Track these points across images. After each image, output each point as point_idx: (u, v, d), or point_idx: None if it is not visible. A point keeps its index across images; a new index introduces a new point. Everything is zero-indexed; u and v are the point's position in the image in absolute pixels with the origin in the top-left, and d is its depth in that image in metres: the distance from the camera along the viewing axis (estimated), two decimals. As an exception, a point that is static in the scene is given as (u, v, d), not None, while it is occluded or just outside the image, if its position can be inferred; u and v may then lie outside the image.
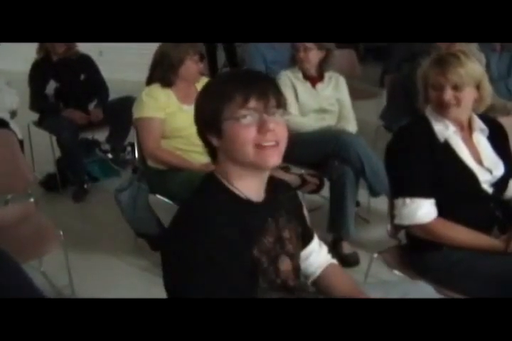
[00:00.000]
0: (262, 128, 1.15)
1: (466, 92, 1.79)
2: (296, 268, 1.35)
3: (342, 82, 3.07)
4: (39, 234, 2.29)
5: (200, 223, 1.14)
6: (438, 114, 1.85)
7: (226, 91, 1.16)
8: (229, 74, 1.30)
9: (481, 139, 1.92)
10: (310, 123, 2.94)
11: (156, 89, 2.60)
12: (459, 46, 3.08)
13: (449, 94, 1.78)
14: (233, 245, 1.15)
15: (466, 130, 1.90)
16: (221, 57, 6.43)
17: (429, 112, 1.89)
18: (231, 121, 1.16)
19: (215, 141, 1.21)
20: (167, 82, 2.59)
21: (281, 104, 1.19)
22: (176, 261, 1.14)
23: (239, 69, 1.49)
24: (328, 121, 3.00)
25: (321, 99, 2.98)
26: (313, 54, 2.91)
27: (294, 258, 1.34)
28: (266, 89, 1.17)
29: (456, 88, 1.78)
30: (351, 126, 3.00)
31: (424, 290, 1.56)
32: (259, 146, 1.16)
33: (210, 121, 1.19)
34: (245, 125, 1.15)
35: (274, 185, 1.32)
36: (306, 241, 1.47)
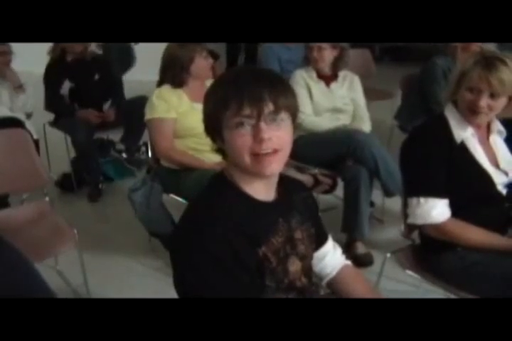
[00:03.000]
0: (256, 137, 1.11)
1: (500, 101, 1.73)
2: (306, 270, 1.34)
3: (356, 81, 3.05)
4: (54, 233, 2.31)
5: (205, 221, 1.14)
6: (464, 117, 1.80)
7: (221, 99, 1.13)
8: (225, 77, 1.20)
9: (498, 141, 1.90)
10: (324, 122, 2.93)
11: (167, 90, 2.61)
12: (475, 46, 3.08)
13: (484, 101, 1.72)
14: (238, 244, 1.14)
15: (484, 131, 1.88)
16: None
17: (448, 111, 1.85)
18: (229, 129, 1.13)
19: (220, 144, 1.20)
20: (179, 83, 2.61)
21: (281, 107, 1.12)
22: (181, 260, 1.14)
23: (237, 69, 1.38)
24: (343, 121, 2.98)
25: (335, 98, 2.97)
26: (327, 53, 2.90)
27: (305, 259, 1.33)
28: (260, 95, 1.10)
29: (492, 96, 1.72)
30: (366, 126, 2.99)
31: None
32: (255, 154, 1.13)
33: (212, 127, 1.18)
34: (241, 133, 1.11)
35: (287, 184, 1.31)
36: (320, 242, 1.46)
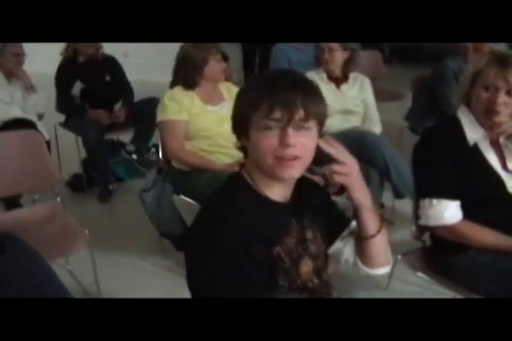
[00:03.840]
0: (282, 141, 1.12)
1: None
2: (318, 270, 1.34)
3: (367, 83, 3.06)
4: (66, 233, 2.33)
5: (222, 221, 1.14)
6: (479, 117, 1.79)
7: (254, 100, 1.14)
8: (260, 79, 1.22)
9: (507, 143, 1.89)
10: (335, 124, 2.93)
11: (179, 92, 2.62)
12: (486, 46, 3.07)
13: (502, 98, 1.72)
14: (253, 243, 1.14)
15: (494, 132, 1.87)
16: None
17: (461, 113, 1.85)
18: (256, 129, 1.14)
19: (244, 142, 1.21)
20: (191, 84, 2.61)
21: (311, 115, 1.13)
22: (198, 259, 1.14)
23: (275, 71, 1.39)
24: (353, 122, 2.99)
25: (346, 100, 2.97)
26: (338, 55, 2.91)
27: (317, 259, 1.33)
28: (293, 101, 1.11)
29: (509, 93, 1.72)
30: (376, 127, 2.99)
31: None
32: (278, 158, 1.14)
33: (240, 126, 1.19)
34: (268, 136, 1.13)
35: (302, 184, 1.31)
36: (342, 226, 1.41)
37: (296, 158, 1.14)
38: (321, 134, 1.20)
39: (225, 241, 1.11)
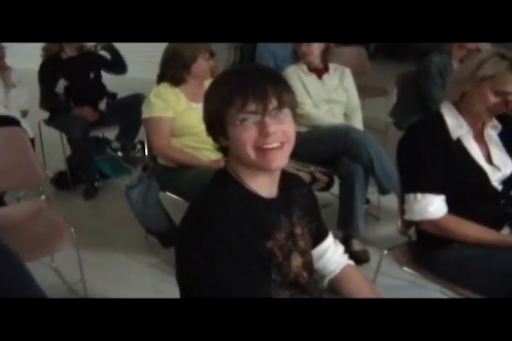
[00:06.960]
0: (262, 131, 1.12)
1: None
2: (307, 265, 1.34)
3: (347, 72, 3.12)
4: (51, 231, 2.30)
5: (215, 213, 1.14)
6: (479, 113, 1.80)
7: (225, 95, 1.14)
8: (228, 74, 1.21)
9: (492, 136, 1.91)
10: (322, 114, 2.98)
11: (165, 89, 2.61)
12: (471, 44, 3.11)
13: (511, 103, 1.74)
14: (248, 237, 1.14)
15: (479, 126, 1.89)
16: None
17: (444, 108, 1.86)
18: (233, 125, 1.14)
19: (222, 141, 1.20)
20: (177, 80, 2.60)
21: (284, 103, 1.14)
22: (192, 251, 1.12)
23: (240, 67, 1.40)
24: (338, 111, 3.05)
25: (329, 89, 3.04)
26: (314, 46, 2.97)
27: (305, 254, 1.34)
28: (264, 91, 1.12)
29: None
30: (358, 116, 3.08)
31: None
32: (260, 149, 1.14)
33: (214, 124, 1.19)
34: (246, 128, 1.13)
35: (287, 180, 1.31)
36: (320, 237, 1.46)
37: (279, 145, 1.15)
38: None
39: (221, 232, 1.11)
